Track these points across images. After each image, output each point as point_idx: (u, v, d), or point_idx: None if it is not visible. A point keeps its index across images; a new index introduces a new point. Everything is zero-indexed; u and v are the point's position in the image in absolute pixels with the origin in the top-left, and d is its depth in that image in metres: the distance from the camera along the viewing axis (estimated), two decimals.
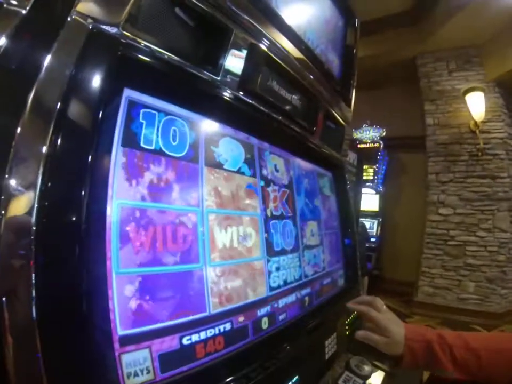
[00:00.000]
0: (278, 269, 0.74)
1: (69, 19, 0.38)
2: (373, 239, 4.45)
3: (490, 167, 3.46)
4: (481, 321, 3.27)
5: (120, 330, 0.41)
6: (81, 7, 0.39)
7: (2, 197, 0.32)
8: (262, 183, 0.75)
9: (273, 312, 0.70)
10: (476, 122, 3.44)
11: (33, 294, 0.31)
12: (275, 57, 0.71)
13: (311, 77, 0.87)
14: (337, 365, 0.83)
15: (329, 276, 0.99)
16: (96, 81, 0.39)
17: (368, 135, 4.74)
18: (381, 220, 4.64)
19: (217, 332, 0.55)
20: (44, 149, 0.34)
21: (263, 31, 0.67)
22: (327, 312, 0.88)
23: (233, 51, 0.61)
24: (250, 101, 0.67)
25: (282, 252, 0.78)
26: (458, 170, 3.62)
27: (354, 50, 1.15)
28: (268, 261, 0.72)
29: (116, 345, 0.40)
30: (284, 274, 0.77)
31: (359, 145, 4.58)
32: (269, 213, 0.75)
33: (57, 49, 0.37)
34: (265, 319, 0.67)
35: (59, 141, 0.35)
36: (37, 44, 0.37)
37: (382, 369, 0.82)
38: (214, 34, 0.58)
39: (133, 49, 0.45)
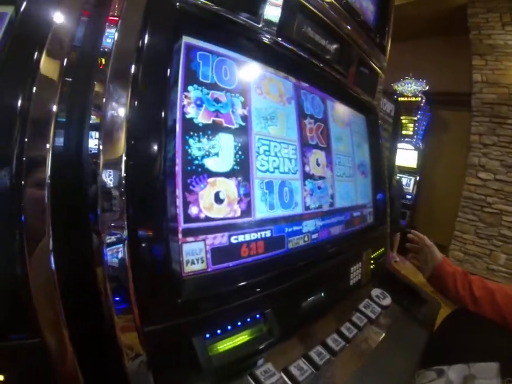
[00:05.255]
0: (312, 192, 0.82)
1: None
2: (408, 196, 4.32)
3: None
4: None
5: (183, 224, 0.51)
6: None
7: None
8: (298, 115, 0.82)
9: (307, 231, 0.79)
10: None
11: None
12: (309, 5, 0.76)
13: (345, 23, 0.89)
14: (359, 292, 0.92)
15: (359, 209, 1.05)
16: (160, 31, 0.49)
17: (410, 88, 4.38)
18: (418, 177, 4.45)
19: (259, 236, 0.65)
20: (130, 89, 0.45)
21: None
22: (354, 241, 0.96)
23: (272, 1, 0.67)
24: (287, 45, 0.73)
25: (316, 177, 0.85)
26: (503, 134, 3.37)
27: None
28: (304, 183, 0.80)
29: (180, 235, 0.51)
30: (318, 198, 0.84)
31: (399, 99, 4.31)
32: (304, 141, 0.82)
33: (126, 10, 0.46)
34: (299, 235, 0.76)
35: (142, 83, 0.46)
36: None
37: (400, 304, 0.91)
38: None
39: (187, 3, 0.53)
